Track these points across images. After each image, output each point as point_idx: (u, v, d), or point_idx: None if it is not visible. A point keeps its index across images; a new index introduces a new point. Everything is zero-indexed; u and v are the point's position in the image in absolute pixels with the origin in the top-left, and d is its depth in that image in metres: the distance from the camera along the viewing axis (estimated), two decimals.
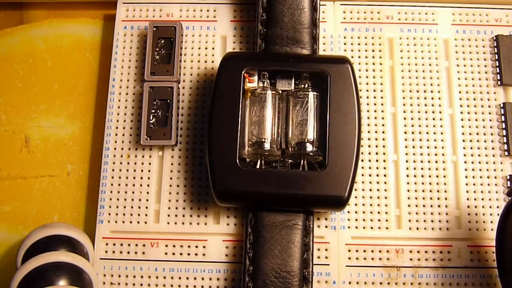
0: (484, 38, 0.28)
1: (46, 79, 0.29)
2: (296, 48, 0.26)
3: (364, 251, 0.26)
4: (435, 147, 0.27)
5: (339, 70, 0.25)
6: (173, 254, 0.26)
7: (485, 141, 0.27)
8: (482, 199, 0.26)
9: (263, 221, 0.24)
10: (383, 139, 0.27)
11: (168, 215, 0.26)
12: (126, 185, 0.27)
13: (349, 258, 0.25)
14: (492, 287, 0.25)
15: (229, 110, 0.24)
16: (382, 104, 0.27)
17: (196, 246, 0.26)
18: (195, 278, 0.25)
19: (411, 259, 0.25)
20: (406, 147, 0.27)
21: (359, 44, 0.28)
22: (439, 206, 0.26)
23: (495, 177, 0.26)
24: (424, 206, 0.26)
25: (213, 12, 0.29)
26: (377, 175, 0.26)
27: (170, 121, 0.27)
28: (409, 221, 0.26)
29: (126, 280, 0.26)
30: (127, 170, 0.27)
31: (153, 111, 0.27)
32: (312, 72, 0.25)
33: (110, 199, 0.26)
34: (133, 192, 0.27)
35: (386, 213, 0.26)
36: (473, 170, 0.26)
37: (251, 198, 0.24)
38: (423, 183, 0.26)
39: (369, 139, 0.27)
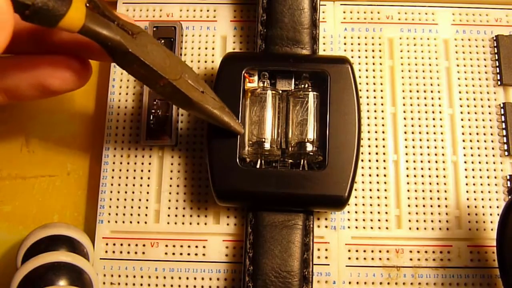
0: (484, 38, 0.28)
1: None
2: (296, 48, 0.26)
3: (364, 251, 0.26)
4: (435, 147, 0.27)
5: (339, 70, 0.25)
6: (173, 254, 0.26)
7: (485, 141, 0.27)
8: (482, 199, 0.26)
9: (263, 221, 0.24)
10: (383, 139, 0.27)
11: (168, 215, 0.26)
12: (126, 185, 0.27)
13: (349, 258, 0.25)
14: (492, 287, 0.25)
15: (229, 110, 0.24)
16: (382, 104, 0.27)
17: (196, 246, 0.26)
18: (195, 278, 0.25)
19: (411, 259, 0.25)
20: (406, 147, 0.27)
21: (359, 44, 0.28)
22: (439, 206, 0.26)
23: (495, 177, 0.26)
24: (424, 206, 0.26)
25: (213, 12, 0.29)
26: (377, 175, 0.26)
27: (170, 121, 0.27)
28: (409, 221, 0.26)
29: (126, 280, 0.26)
30: (127, 170, 0.27)
31: (153, 111, 0.27)
32: (312, 72, 0.25)
33: (110, 199, 0.26)
34: (133, 192, 0.27)
35: (386, 213, 0.26)
36: (473, 170, 0.26)
37: (251, 198, 0.24)
38: (423, 183, 0.26)
39: (369, 139, 0.27)
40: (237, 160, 0.24)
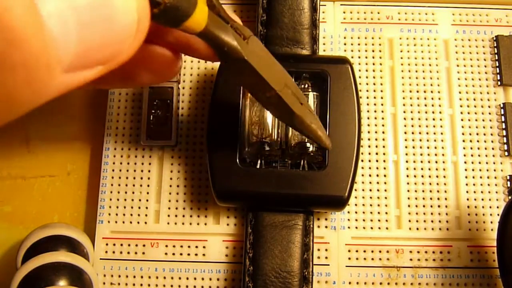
0: (484, 38, 0.28)
1: None
2: (296, 48, 0.26)
3: (364, 251, 0.26)
4: (435, 147, 0.27)
5: (339, 70, 0.25)
6: (173, 254, 0.26)
7: (485, 141, 0.27)
8: (482, 199, 0.26)
9: (263, 221, 0.24)
10: (383, 139, 0.27)
11: (168, 215, 0.26)
12: (126, 185, 0.27)
13: (349, 258, 0.25)
14: (492, 287, 0.25)
15: (229, 110, 0.24)
16: (382, 104, 0.27)
17: (196, 246, 0.26)
18: (195, 278, 0.25)
19: (411, 259, 0.25)
20: (406, 147, 0.27)
21: (359, 44, 0.28)
22: (439, 206, 0.26)
23: (495, 177, 0.26)
24: (424, 206, 0.26)
25: None
26: (377, 175, 0.26)
27: (170, 121, 0.27)
28: (409, 221, 0.26)
29: (126, 280, 0.26)
30: (127, 170, 0.27)
31: (153, 111, 0.27)
32: (312, 72, 0.25)
33: (110, 199, 0.26)
34: (133, 192, 0.27)
35: (386, 213, 0.26)
36: (473, 170, 0.26)
37: (251, 198, 0.24)
38: (423, 183, 0.26)
39: (369, 139, 0.27)
40: (237, 160, 0.24)
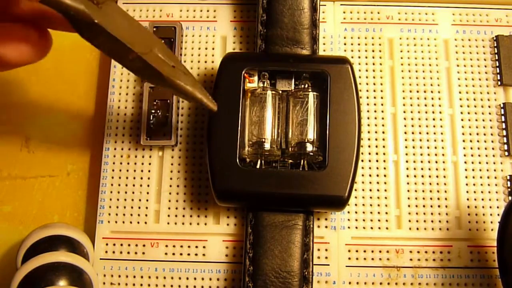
0: (484, 38, 0.28)
1: (46, 79, 0.29)
2: (296, 48, 0.26)
3: (364, 251, 0.26)
4: (435, 147, 0.27)
5: (339, 70, 0.25)
6: (173, 254, 0.26)
7: (485, 141, 0.27)
8: (482, 199, 0.26)
9: (263, 221, 0.24)
10: (383, 139, 0.27)
11: (168, 215, 0.26)
12: (126, 185, 0.27)
13: (349, 258, 0.25)
14: (492, 287, 0.25)
15: (229, 110, 0.24)
16: (382, 104, 0.27)
17: (196, 246, 0.26)
18: (195, 278, 0.25)
19: (411, 259, 0.25)
20: (406, 147, 0.27)
21: (359, 44, 0.28)
22: (439, 206, 0.26)
23: (495, 177, 0.26)
24: (424, 206, 0.26)
25: (213, 12, 0.29)
26: (377, 175, 0.26)
27: (170, 121, 0.27)
28: (409, 221, 0.26)
29: (126, 280, 0.26)
30: (127, 170, 0.27)
31: (153, 111, 0.27)
32: (312, 72, 0.25)
33: (110, 199, 0.26)
34: (133, 192, 0.27)
35: (386, 213, 0.26)
36: (473, 170, 0.26)
37: (251, 198, 0.24)
38: (423, 183, 0.26)
39: (369, 139, 0.27)
40: (237, 160, 0.24)
